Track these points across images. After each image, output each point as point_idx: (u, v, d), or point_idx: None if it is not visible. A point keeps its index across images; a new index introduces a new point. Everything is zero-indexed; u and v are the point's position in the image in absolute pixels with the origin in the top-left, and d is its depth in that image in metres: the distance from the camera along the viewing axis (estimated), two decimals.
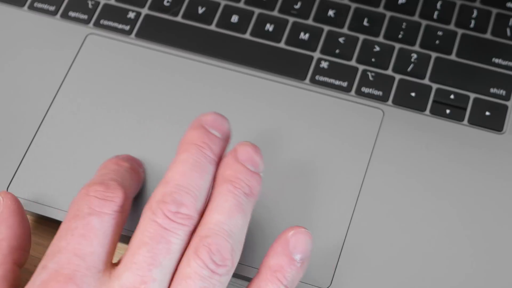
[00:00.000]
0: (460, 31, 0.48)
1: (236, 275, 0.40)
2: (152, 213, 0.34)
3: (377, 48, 0.47)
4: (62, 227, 0.35)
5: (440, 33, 0.47)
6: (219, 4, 0.49)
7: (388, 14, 0.48)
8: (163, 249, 0.34)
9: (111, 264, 0.35)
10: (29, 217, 0.43)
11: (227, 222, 0.35)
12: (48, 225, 0.42)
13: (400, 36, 0.47)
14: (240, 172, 0.36)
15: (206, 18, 0.48)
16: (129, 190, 0.37)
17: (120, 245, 0.40)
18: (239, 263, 0.39)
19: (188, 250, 0.34)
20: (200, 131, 0.37)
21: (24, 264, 0.38)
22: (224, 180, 0.36)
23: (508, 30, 0.48)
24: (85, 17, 0.48)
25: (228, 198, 0.35)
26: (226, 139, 0.38)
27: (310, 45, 0.47)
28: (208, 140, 0.37)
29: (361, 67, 0.46)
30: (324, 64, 0.46)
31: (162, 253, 0.34)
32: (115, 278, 0.34)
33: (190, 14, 0.48)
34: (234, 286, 0.41)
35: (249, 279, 0.40)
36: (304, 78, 0.46)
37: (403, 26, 0.48)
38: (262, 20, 0.48)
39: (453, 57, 0.47)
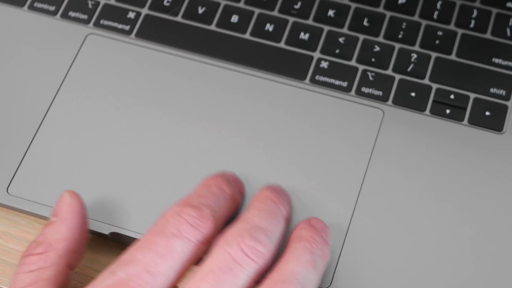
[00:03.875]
0: (460, 31, 0.48)
1: None
2: (226, 244, 0.34)
3: (377, 48, 0.47)
4: (143, 238, 0.35)
5: (440, 33, 0.47)
6: (219, 4, 0.49)
7: (388, 14, 0.48)
8: (228, 281, 0.34)
9: None
10: (24, 215, 0.43)
11: (301, 273, 0.35)
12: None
13: (400, 36, 0.47)
14: (316, 235, 0.37)
15: (206, 18, 0.48)
16: (220, 222, 0.37)
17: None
18: None
19: None
20: (272, 191, 0.39)
21: (76, 267, 0.38)
22: (301, 239, 0.37)
23: (508, 30, 0.48)
24: (85, 17, 0.48)
25: (305, 253, 0.36)
26: (291, 207, 0.40)
27: (310, 45, 0.47)
28: (281, 198, 0.38)
29: (361, 67, 0.46)
30: (324, 64, 0.46)
31: (227, 284, 0.34)
32: None
33: (190, 14, 0.48)
34: None
35: None
36: (304, 78, 0.46)
37: (403, 26, 0.48)
38: (262, 20, 0.48)
39: (453, 57, 0.47)
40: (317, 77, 0.46)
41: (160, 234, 0.35)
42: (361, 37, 0.47)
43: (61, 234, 0.37)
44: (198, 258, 0.36)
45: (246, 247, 0.34)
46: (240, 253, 0.34)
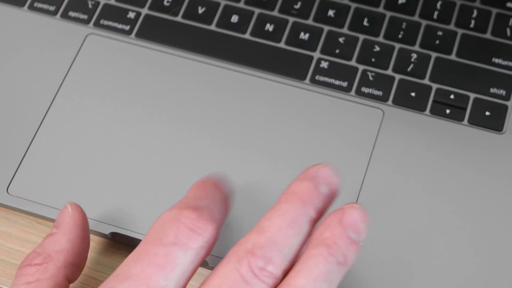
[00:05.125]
0: (460, 31, 0.48)
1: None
2: (237, 261, 0.32)
3: (377, 48, 0.47)
4: (141, 248, 0.33)
5: (440, 33, 0.47)
6: (219, 4, 0.49)
7: (388, 14, 0.48)
8: None
9: None
10: (23, 215, 0.43)
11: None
12: (47, 225, 0.42)
13: (400, 36, 0.47)
14: (340, 238, 0.33)
15: (206, 18, 0.48)
16: (220, 223, 0.35)
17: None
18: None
19: None
20: (308, 184, 0.35)
21: (75, 280, 0.37)
22: (320, 243, 0.33)
23: (508, 30, 0.48)
24: (85, 17, 0.48)
25: (319, 264, 0.33)
26: (332, 197, 0.35)
27: (310, 45, 0.47)
28: (314, 197, 0.34)
29: (361, 67, 0.46)
30: (324, 64, 0.46)
31: None
32: None
33: (190, 14, 0.48)
34: None
35: None
36: (304, 78, 0.46)
37: (403, 26, 0.48)
38: (262, 20, 0.48)
39: (453, 57, 0.47)
40: (317, 77, 0.46)
41: (157, 242, 0.32)
42: (361, 37, 0.47)
43: (61, 246, 0.36)
44: (200, 264, 0.34)
45: (256, 268, 0.32)
46: (250, 273, 0.32)
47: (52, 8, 0.49)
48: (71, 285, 0.40)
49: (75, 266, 0.36)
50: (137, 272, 0.32)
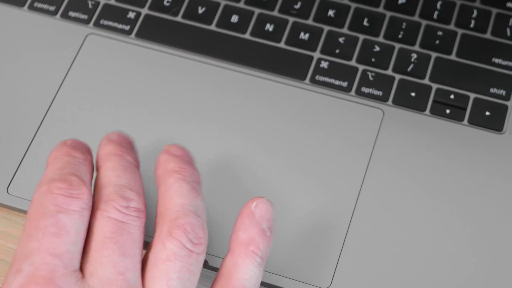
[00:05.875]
0: (460, 31, 0.48)
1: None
2: (104, 211, 0.34)
3: (377, 48, 0.47)
4: (29, 226, 0.34)
5: (440, 33, 0.47)
6: (219, 4, 0.49)
7: (388, 14, 0.48)
8: (127, 240, 0.34)
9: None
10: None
11: (192, 204, 0.36)
12: None
13: (400, 36, 0.47)
14: (183, 163, 0.38)
15: (206, 18, 0.48)
16: (89, 184, 0.36)
17: None
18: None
19: (160, 234, 0.35)
20: (113, 144, 0.39)
21: None
22: (171, 172, 0.37)
23: (508, 30, 0.48)
24: (85, 17, 0.48)
25: (183, 184, 0.36)
26: (136, 151, 0.40)
27: (310, 45, 0.47)
28: (124, 148, 0.39)
29: (361, 67, 0.46)
30: (324, 64, 0.46)
31: (128, 243, 0.34)
32: (90, 276, 0.33)
33: (190, 14, 0.48)
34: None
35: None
36: (304, 78, 0.46)
37: (403, 26, 0.48)
38: (262, 20, 0.48)
39: (453, 57, 0.47)
40: (317, 77, 0.46)
41: (42, 216, 0.34)
42: (361, 37, 0.47)
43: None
44: (87, 224, 0.35)
45: (122, 208, 0.34)
46: (120, 214, 0.34)
47: (52, 8, 0.49)
48: None
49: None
50: (36, 246, 0.33)
